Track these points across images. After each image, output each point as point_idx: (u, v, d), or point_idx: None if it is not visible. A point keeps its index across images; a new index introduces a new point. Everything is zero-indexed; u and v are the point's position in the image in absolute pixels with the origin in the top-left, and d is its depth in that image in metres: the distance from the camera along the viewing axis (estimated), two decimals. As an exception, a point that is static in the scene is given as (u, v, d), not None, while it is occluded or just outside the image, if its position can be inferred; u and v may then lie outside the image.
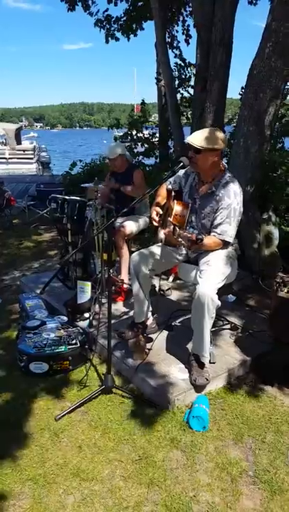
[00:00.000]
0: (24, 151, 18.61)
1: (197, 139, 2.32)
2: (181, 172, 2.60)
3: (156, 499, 1.75)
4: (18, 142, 19.06)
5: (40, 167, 17.95)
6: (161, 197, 2.70)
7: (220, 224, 2.40)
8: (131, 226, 3.57)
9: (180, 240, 2.12)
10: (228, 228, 2.38)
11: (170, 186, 2.68)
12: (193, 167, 2.41)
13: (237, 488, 1.80)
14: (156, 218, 2.53)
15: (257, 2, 6.60)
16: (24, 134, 24.39)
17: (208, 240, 2.35)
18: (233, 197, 2.38)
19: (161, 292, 3.40)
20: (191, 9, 6.63)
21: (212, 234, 2.41)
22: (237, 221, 2.42)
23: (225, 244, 2.42)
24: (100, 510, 1.70)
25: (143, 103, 7.77)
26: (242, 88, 4.79)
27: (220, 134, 2.36)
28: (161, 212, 2.55)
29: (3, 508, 1.71)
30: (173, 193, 2.56)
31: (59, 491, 1.79)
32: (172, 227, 2.24)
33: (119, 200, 3.70)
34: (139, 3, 7.24)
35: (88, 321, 3.00)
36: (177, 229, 2.17)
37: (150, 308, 2.72)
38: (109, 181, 3.75)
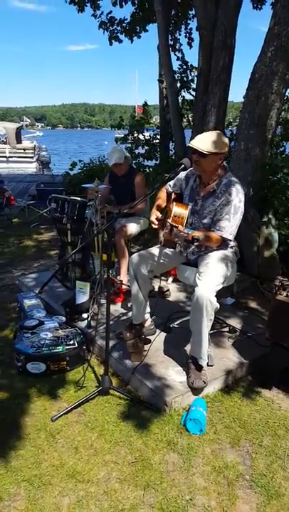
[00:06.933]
0: (24, 150, 18.66)
1: (202, 143, 2.30)
2: (182, 175, 2.59)
3: (152, 502, 1.74)
4: (19, 141, 19.10)
5: (40, 166, 17.99)
6: (161, 200, 2.69)
7: (219, 220, 2.39)
8: (132, 227, 3.57)
9: (177, 239, 2.12)
10: (226, 224, 2.36)
11: (170, 189, 2.68)
12: (197, 170, 2.42)
13: (233, 492, 1.80)
14: (156, 222, 2.53)
15: (262, 7, 6.61)
16: (27, 133, 24.31)
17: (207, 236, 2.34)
18: (234, 194, 2.37)
19: (160, 294, 3.39)
20: (194, 12, 6.64)
21: (211, 230, 2.40)
22: (238, 219, 2.39)
23: (224, 241, 2.40)
24: (95, 512, 1.69)
25: (145, 104, 7.79)
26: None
27: (224, 139, 2.36)
28: (160, 216, 2.55)
29: (-3, 509, 1.70)
30: (173, 196, 2.56)
31: (54, 492, 1.78)
32: (170, 227, 2.24)
33: (119, 202, 3.69)
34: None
35: (86, 321, 3.00)
36: (174, 229, 2.16)
37: (148, 310, 2.71)
38: (110, 204, 3.67)
